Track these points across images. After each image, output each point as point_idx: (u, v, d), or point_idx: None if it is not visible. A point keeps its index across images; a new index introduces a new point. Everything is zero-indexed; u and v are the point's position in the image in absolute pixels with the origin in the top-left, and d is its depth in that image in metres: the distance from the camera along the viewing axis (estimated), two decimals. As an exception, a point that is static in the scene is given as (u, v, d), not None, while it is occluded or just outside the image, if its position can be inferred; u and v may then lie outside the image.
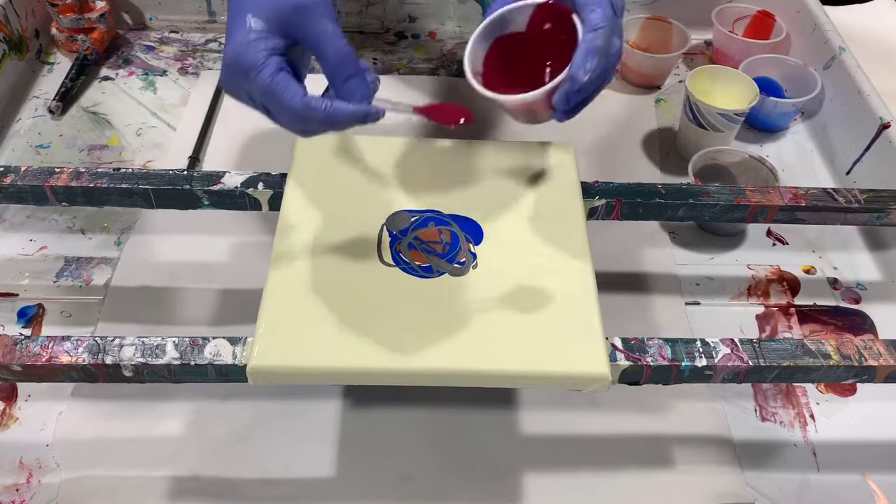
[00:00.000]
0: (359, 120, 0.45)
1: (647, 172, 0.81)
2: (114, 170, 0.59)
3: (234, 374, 0.48)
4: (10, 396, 0.60)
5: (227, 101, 0.86)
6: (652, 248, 0.73)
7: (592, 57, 0.47)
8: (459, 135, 0.83)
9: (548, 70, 0.53)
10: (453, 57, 0.94)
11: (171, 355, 0.48)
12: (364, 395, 0.61)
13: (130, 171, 0.59)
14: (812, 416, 0.61)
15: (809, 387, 0.63)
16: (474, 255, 0.53)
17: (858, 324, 0.68)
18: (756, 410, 0.62)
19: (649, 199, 0.60)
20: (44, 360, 0.48)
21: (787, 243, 0.75)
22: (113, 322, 0.65)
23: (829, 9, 0.90)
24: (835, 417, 0.61)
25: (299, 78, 0.47)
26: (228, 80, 0.46)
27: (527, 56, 0.54)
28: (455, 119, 0.49)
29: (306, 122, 0.45)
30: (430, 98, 0.88)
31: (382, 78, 0.90)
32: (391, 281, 0.51)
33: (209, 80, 0.89)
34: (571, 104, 0.49)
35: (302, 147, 0.60)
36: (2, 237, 0.72)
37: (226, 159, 0.80)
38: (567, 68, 0.49)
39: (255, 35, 0.44)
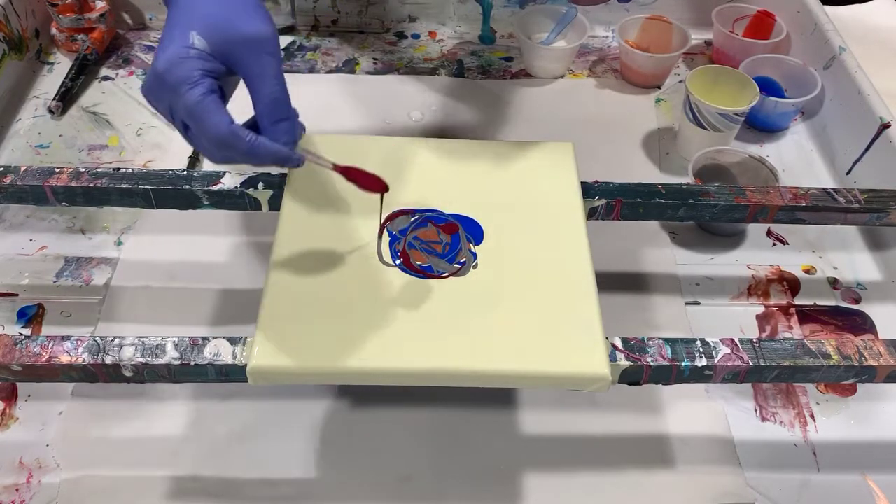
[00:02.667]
0: (279, 161, 0.45)
1: (647, 172, 0.81)
2: (114, 170, 0.59)
3: (234, 374, 0.48)
4: (10, 396, 0.60)
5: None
6: (652, 248, 0.73)
7: None
8: (459, 135, 0.83)
9: None
10: (453, 57, 0.94)
11: (171, 355, 0.48)
12: (364, 395, 0.61)
13: (130, 171, 0.59)
14: (812, 416, 0.61)
15: (809, 387, 0.63)
16: (474, 255, 0.53)
17: (858, 324, 0.68)
18: (756, 410, 0.62)
19: (649, 199, 0.60)
20: (44, 360, 0.48)
21: (787, 243, 0.75)
22: (113, 322, 0.65)
23: (829, 9, 0.90)
24: (835, 417, 0.61)
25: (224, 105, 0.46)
26: (153, 88, 0.45)
27: None
28: (373, 188, 0.50)
29: (227, 149, 0.44)
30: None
31: (382, 78, 0.91)
32: (391, 281, 0.51)
33: (209, 80, 0.89)
34: None
35: (302, 147, 0.60)
36: (2, 237, 0.72)
37: (226, 159, 0.80)
38: None
39: (196, 53, 0.44)
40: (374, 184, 0.50)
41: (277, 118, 0.45)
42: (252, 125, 0.47)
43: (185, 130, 0.46)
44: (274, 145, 0.45)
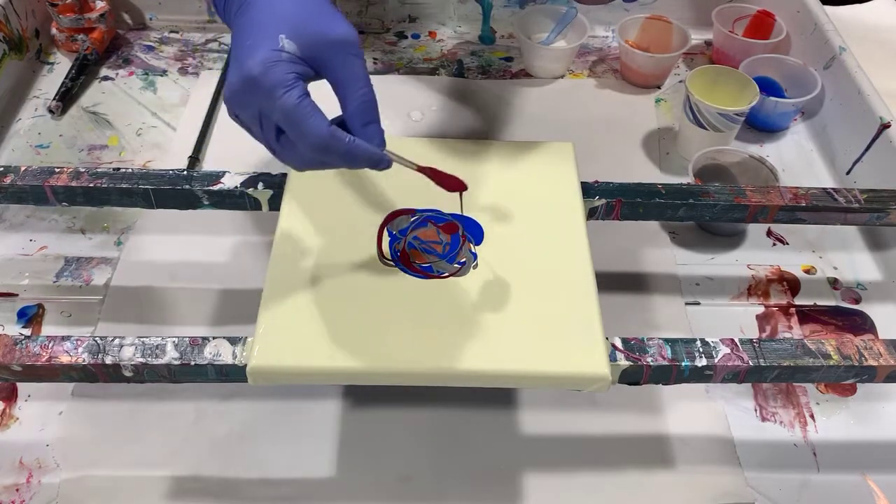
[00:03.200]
0: (373, 163, 0.45)
1: (647, 172, 0.81)
2: (114, 170, 0.59)
3: (234, 374, 0.48)
4: (10, 396, 0.60)
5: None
6: (652, 248, 0.73)
7: None
8: (459, 135, 0.83)
9: None
10: (453, 57, 0.94)
11: (171, 355, 0.48)
12: (364, 395, 0.61)
13: (130, 171, 0.60)
14: (812, 416, 0.61)
15: (809, 387, 0.63)
16: (475, 255, 0.53)
17: (858, 324, 0.68)
18: (756, 410, 0.62)
19: (649, 199, 0.60)
20: (44, 360, 0.48)
21: (787, 243, 0.75)
22: (113, 322, 0.65)
23: (829, 9, 0.90)
24: (835, 417, 0.61)
25: None
26: (242, 94, 0.43)
27: None
28: (453, 188, 0.50)
29: (325, 152, 0.43)
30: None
31: (382, 78, 0.91)
32: (391, 281, 0.51)
33: (209, 80, 0.89)
34: None
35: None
36: (2, 237, 0.72)
37: (226, 159, 0.80)
38: None
39: (288, 56, 0.43)
40: (454, 184, 0.50)
41: (368, 120, 0.45)
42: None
43: (277, 138, 0.45)
44: (370, 147, 0.44)
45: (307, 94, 0.43)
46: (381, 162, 0.45)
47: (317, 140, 0.43)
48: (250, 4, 0.46)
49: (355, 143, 0.44)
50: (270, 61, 0.42)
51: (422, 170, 0.49)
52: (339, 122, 0.45)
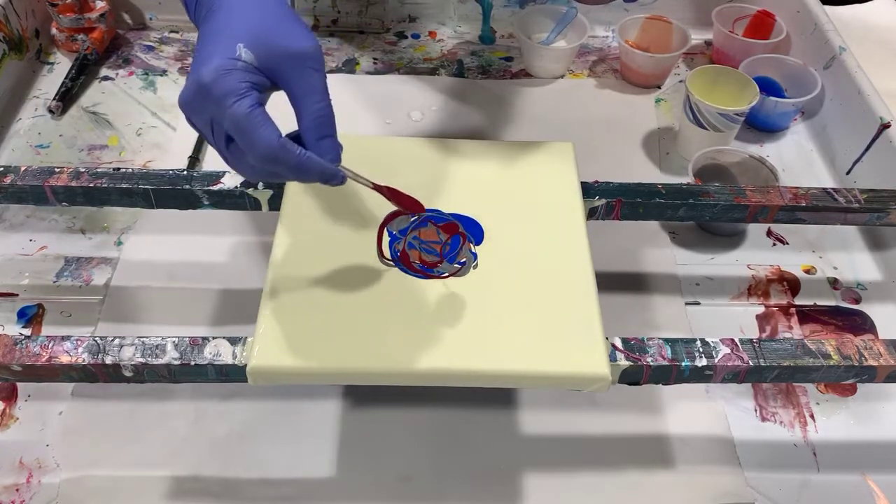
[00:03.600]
0: (325, 178, 0.44)
1: (647, 172, 0.81)
2: (114, 170, 0.59)
3: (234, 374, 0.48)
4: (10, 396, 0.60)
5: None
6: (652, 248, 0.73)
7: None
8: (459, 135, 0.83)
9: None
10: (453, 57, 0.94)
11: (171, 355, 0.48)
12: (364, 395, 0.61)
13: (130, 171, 0.60)
14: (812, 416, 0.61)
15: (809, 387, 0.63)
16: (475, 255, 0.53)
17: (858, 324, 0.68)
18: (756, 410, 0.62)
19: (649, 199, 0.60)
20: (44, 360, 0.48)
21: (787, 243, 0.75)
22: (113, 322, 0.65)
23: (829, 9, 0.90)
24: (835, 417, 0.61)
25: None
26: (194, 99, 0.43)
27: None
28: (411, 209, 0.51)
29: (274, 163, 0.43)
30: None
31: (382, 78, 0.91)
32: (391, 281, 0.51)
33: (209, 80, 0.89)
34: None
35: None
36: (2, 237, 0.72)
37: (226, 159, 0.80)
38: None
39: (243, 65, 0.42)
40: (412, 205, 0.50)
41: (323, 134, 0.44)
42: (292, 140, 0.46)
43: (227, 146, 0.44)
44: (322, 161, 0.44)
45: (259, 105, 0.42)
46: (334, 177, 0.44)
47: (266, 151, 0.42)
48: (215, 11, 0.45)
49: (307, 157, 0.43)
50: (224, 69, 0.42)
51: (378, 188, 0.49)
52: (296, 136, 0.45)
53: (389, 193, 0.49)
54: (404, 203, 0.50)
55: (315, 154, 0.44)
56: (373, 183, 0.48)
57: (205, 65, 0.42)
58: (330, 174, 0.44)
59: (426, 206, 0.56)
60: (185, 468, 0.56)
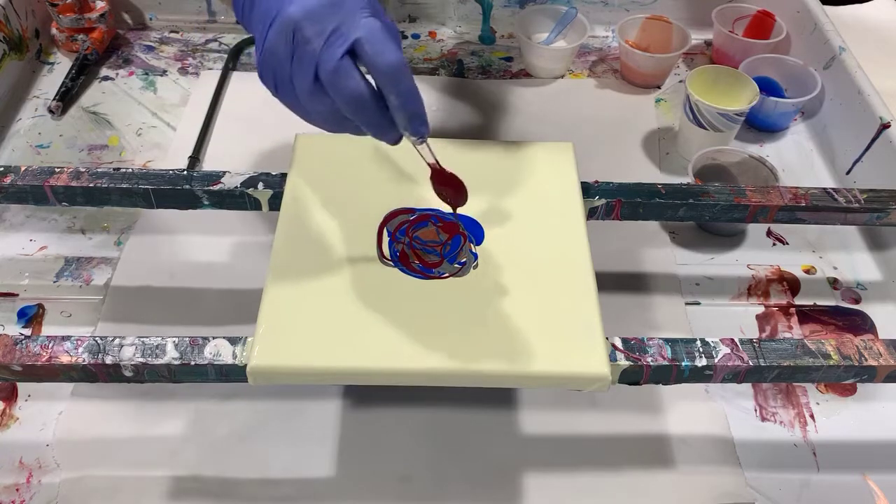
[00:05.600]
0: (417, 122, 0.45)
1: (647, 172, 0.81)
2: (114, 170, 0.59)
3: (234, 374, 0.48)
4: (10, 396, 0.60)
5: (228, 101, 0.86)
6: (652, 248, 0.73)
7: None
8: (459, 135, 0.83)
9: None
10: (453, 57, 0.94)
11: (171, 355, 0.48)
12: (364, 395, 0.61)
13: (130, 171, 0.59)
14: (812, 416, 0.61)
15: (809, 387, 0.63)
16: (475, 255, 0.53)
17: (858, 324, 0.68)
18: (756, 410, 0.62)
19: (649, 199, 0.60)
20: (44, 360, 0.48)
21: (787, 243, 0.75)
22: (113, 322, 0.65)
23: (829, 9, 0.90)
24: (835, 417, 0.61)
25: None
26: (323, 9, 0.42)
27: None
28: (454, 201, 0.53)
29: (395, 82, 0.43)
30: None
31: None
32: (391, 281, 0.51)
33: (209, 80, 0.89)
34: None
35: (302, 147, 0.60)
36: (2, 237, 0.72)
37: (226, 159, 0.80)
38: None
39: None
40: (458, 196, 0.52)
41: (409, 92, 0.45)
42: None
43: (341, 58, 0.42)
44: (422, 103, 0.45)
45: (346, 53, 0.42)
46: (424, 125, 0.45)
47: (393, 62, 0.42)
48: None
49: (416, 88, 0.43)
50: None
51: (437, 169, 0.50)
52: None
53: (445, 178, 0.51)
54: (449, 192, 0.51)
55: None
56: (437, 162, 0.50)
57: None
58: (423, 119, 0.45)
59: (426, 207, 0.56)
60: (185, 468, 0.56)
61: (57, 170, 0.59)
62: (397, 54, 0.43)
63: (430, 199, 0.57)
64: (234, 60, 0.92)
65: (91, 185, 0.58)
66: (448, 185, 0.51)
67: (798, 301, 0.70)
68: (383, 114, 0.45)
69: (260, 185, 0.59)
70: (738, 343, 0.50)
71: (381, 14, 0.44)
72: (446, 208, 0.55)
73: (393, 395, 0.60)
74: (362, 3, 0.43)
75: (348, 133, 0.47)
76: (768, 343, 0.51)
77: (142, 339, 0.49)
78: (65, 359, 0.48)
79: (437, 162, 0.50)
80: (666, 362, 0.49)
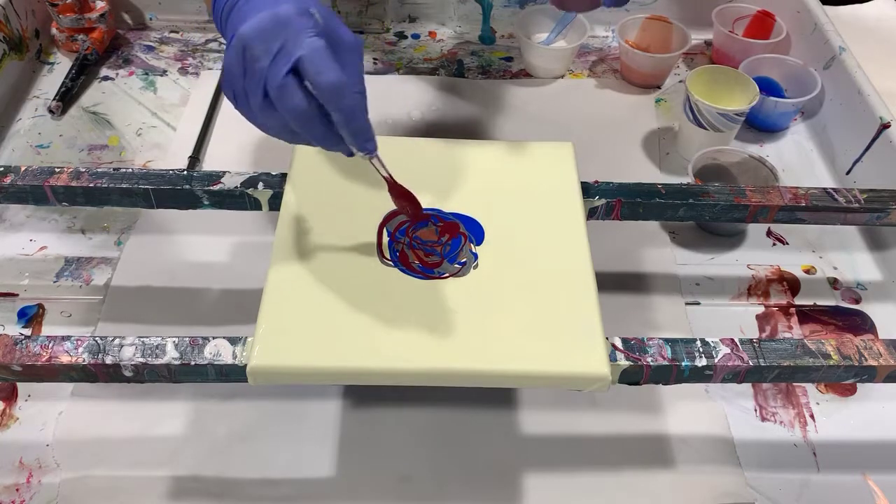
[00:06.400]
0: (362, 137, 0.45)
1: (647, 172, 0.81)
2: (114, 170, 0.59)
3: (234, 374, 0.48)
4: (10, 396, 0.60)
5: (228, 101, 0.86)
6: (652, 248, 0.73)
7: None
8: (460, 135, 0.83)
9: None
10: (453, 57, 0.94)
11: (171, 355, 0.48)
12: (364, 395, 0.61)
13: (130, 171, 0.59)
14: (812, 416, 0.61)
15: (809, 387, 0.63)
16: (475, 255, 0.53)
17: (858, 324, 0.68)
18: (756, 410, 0.62)
19: (649, 199, 0.60)
20: (44, 360, 0.48)
21: (787, 243, 0.75)
22: (113, 322, 0.65)
23: (829, 9, 0.90)
24: (835, 417, 0.61)
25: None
26: (270, 27, 0.44)
27: None
28: (408, 213, 0.54)
29: (338, 98, 0.44)
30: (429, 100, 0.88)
31: (382, 78, 0.91)
32: (391, 281, 0.51)
33: (209, 80, 0.89)
34: None
35: (302, 147, 0.60)
36: (2, 237, 0.72)
37: (226, 159, 0.80)
38: None
39: (314, 21, 0.44)
40: (412, 210, 0.53)
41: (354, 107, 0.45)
42: None
43: (285, 76, 0.44)
44: (368, 120, 0.45)
45: (289, 71, 0.43)
46: (369, 142, 0.46)
47: (332, 81, 0.43)
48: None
49: (363, 103, 0.44)
50: (306, 10, 0.44)
51: (392, 184, 0.51)
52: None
53: (399, 191, 0.51)
54: (405, 205, 0.52)
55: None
56: (391, 178, 0.50)
57: (284, 3, 0.44)
58: (368, 135, 0.45)
59: (426, 207, 0.56)
60: (185, 468, 0.56)
61: (57, 170, 0.59)
62: (336, 74, 0.43)
63: (431, 200, 0.57)
64: (234, 60, 0.92)
65: (91, 185, 0.58)
66: (402, 198, 0.52)
67: (798, 301, 0.70)
68: (329, 129, 0.45)
69: (260, 185, 0.59)
70: (738, 343, 0.50)
71: (337, 31, 0.45)
72: (445, 200, 0.56)
73: (393, 395, 0.60)
74: (309, 23, 0.44)
75: (303, 145, 0.48)
76: (768, 343, 0.51)
77: (142, 339, 0.49)
78: (65, 359, 0.48)
79: (391, 176, 0.50)
80: (666, 362, 0.49)
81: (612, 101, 0.90)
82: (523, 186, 0.58)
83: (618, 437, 0.59)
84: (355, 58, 0.46)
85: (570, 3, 0.56)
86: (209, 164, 0.80)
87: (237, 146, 0.81)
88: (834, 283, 0.71)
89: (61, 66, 0.91)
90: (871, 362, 0.50)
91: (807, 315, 0.68)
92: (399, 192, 0.51)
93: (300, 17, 0.44)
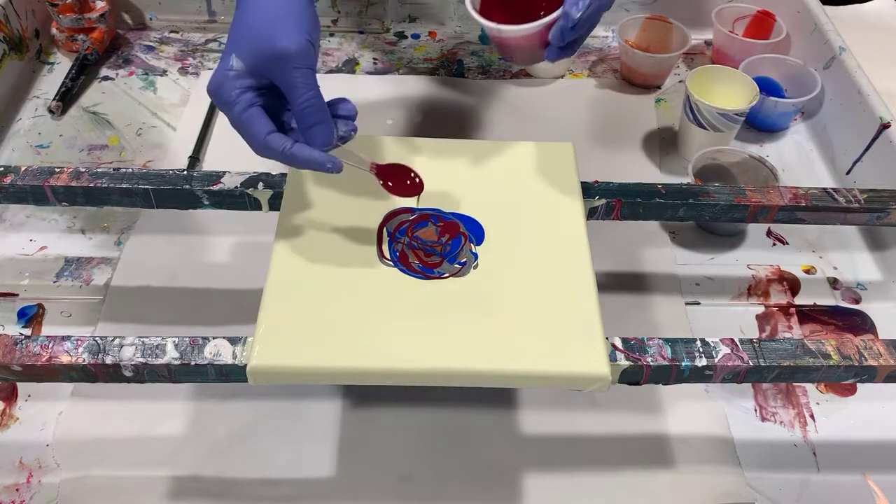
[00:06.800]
0: (315, 167, 0.48)
1: (647, 172, 0.81)
2: (114, 170, 0.59)
3: (234, 374, 0.48)
4: (10, 396, 0.60)
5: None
6: (652, 248, 0.73)
7: None
8: (459, 135, 0.83)
9: (542, 11, 0.54)
10: (453, 57, 0.94)
11: (171, 355, 0.48)
12: (364, 395, 0.61)
13: (130, 171, 0.59)
14: (812, 416, 0.61)
15: (809, 387, 0.63)
16: (475, 256, 0.53)
17: (858, 324, 0.68)
18: (756, 410, 0.62)
19: (649, 199, 0.60)
20: (44, 360, 0.48)
21: (787, 243, 0.75)
22: (113, 322, 0.65)
23: (829, 9, 0.90)
24: (835, 417, 0.61)
25: (278, 110, 0.50)
26: (214, 102, 0.50)
27: None
28: (405, 192, 0.55)
29: (270, 153, 0.49)
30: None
31: (382, 78, 0.91)
32: (391, 281, 0.51)
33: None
34: (566, 40, 0.52)
35: (302, 147, 0.60)
36: (2, 237, 0.72)
37: (226, 159, 0.79)
38: (561, 6, 0.51)
39: (234, 73, 0.47)
40: (409, 189, 0.55)
41: (311, 123, 0.48)
42: None
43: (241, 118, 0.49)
44: (308, 152, 0.48)
45: (251, 106, 0.48)
46: (322, 166, 0.48)
47: (258, 145, 0.49)
48: (237, 7, 0.50)
49: (291, 151, 0.48)
50: (220, 80, 0.48)
51: (379, 170, 0.52)
52: None
53: (386, 176, 0.53)
54: (399, 189, 0.54)
55: (307, 140, 0.48)
56: (371, 163, 0.51)
57: (213, 76, 0.49)
58: (317, 163, 0.48)
59: (426, 207, 0.56)
60: (185, 468, 0.56)
61: (57, 170, 0.59)
62: (257, 139, 0.48)
63: (431, 200, 0.57)
64: (234, 60, 0.92)
65: (91, 185, 0.58)
66: (395, 175, 0.53)
67: (798, 301, 0.70)
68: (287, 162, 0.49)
69: (260, 185, 0.59)
70: (738, 343, 0.50)
71: (273, 43, 0.47)
72: (445, 200, 0.56)
73: (393, 395, 0.60)
74: (226, 93, 0.48)
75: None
76: (768, 343, 0.50)
77: (142, 339, 0.49)
78: (65, 359, 0.48)
79: (373, 162, 0.52)
80: (666, 362, 0.49)
81: (612, 101, 0.90)
82: (523, 186, 0.58)
83: (618, 437, 0.59)
84: (292, 68, 0.47)
85: (516, 56, 0.57)
86: (209, 164, 0.80)
87: (237, 146, 0.81)
88: (834, 283, 0.71)
89: (61, 66, 0.91)
90: (871, 362, 0.50)
91: (807, 315, 0.68)
92: (389, 172, 0.52)
93: (218, 88, 0.48)
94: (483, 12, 0.55)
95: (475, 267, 0.53)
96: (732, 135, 0.79)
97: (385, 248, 0.53)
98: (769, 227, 0.76)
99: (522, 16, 0.53)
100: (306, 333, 0.48)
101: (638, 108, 0.88)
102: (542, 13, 0.53)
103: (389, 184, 0.54)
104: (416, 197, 0.56)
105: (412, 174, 0.55)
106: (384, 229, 0.55)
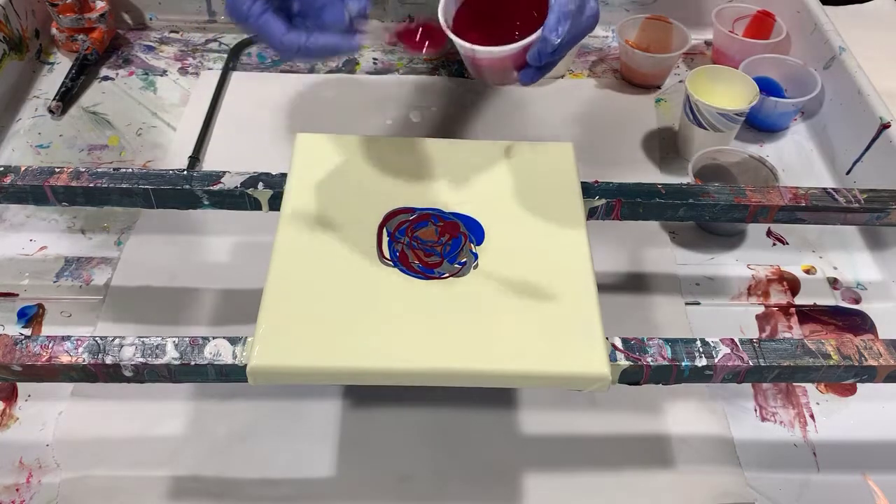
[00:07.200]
0: (333, 51, 0.50)
1: (647, 172, 0.81)
2: (114, 170, 0.59)
3: (234, 374, 0.48)
4: (10, 396, 0.60)
5: (227, 102, 0.86)
6: (652, 248, 0.73)
7: (565, 20, 0.50)
8: (459, 135, 0.83)
9: (517, 31, 0.54)
10: (453, 57, 0.94)
11: (171, 355, 0.48)
12: (364, 395, 0.61)
13: (130, 171, 0.59)
14: (812, 416, 0.61)
15: (809, 387, 0.63)
16: (475, 255, 0.53)
17: (858, 324, 0.68)
18: (756, 410, 0.62)
19: (649, 199, 0.60)
20: (44, 360, 0.48)
21: (787, 243, 0.75)
22: (113, 322, 0.65)
23: (829, 9, 0.90)
24: (835, 417, 0.61)
25: (290, 9, 0.51)
26: (233, 22, 0.51)
27: (497, 12, 0.55)
28: (420, 45, 0.53)
29: (289, 55, 0.50)
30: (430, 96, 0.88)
31: (382, 78, 0.91)
32: (391, 281, 0.51)
33: (209, 80, 0.89)
34: (543, 62, 0.52)
35: (302, 147, 0.60)
36: (2, 237, 0.72)
37: (226, 159, 0.80)
38: (540, 29, 0.50)
39: None
40: (421, 42, 0.53)
41: (318, 6, 0.49)
42: None
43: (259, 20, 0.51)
44: (324, 38, 0.49)
45: (264, 11, 0.49)
46: (339, 47, 0.49)
47: (276, 49, 0.50)
48: None
49: (307, 43, 0.49)
50: (232, 1, 0.49)
51: (392, 39, 0.52)
52: None
53: (403, 38, 0.52)
54: (414, 42, 0.52)
55: (320, 25, 0.49)
56: (387, 34, 0.52)
57: None
58: (332, 47, 0.49)
59: (426, 207, 0.56)
60: (185, 468, 0.56)
61: (57, 170, 0.59)
62: (273, 42, 0.50)
63: (431, 200, 0.57)
64: (234, 60, 0.92)
65: (91, 185, 0.58)
66: (414, 34, 0.52)
67: (798, 301, 0.70)
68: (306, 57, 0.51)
69: (260, 185, 0.59)
70: (738, 343, 0.50)
71: None
72: (445, 200, 0.56)
73: (393, 395, 0.60)
74: (243, 5, 0.49)
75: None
76: (768, 343, 0.51)
77: (142, 339, 0.49)
78: (65, 359, 0.48)
79: (389, 33, 0.52)
80: (666, 362, 0.49)
81: (612, 101, 0.90)
82: (523, 186, 0.58)
83: (618, 437, 0.59)
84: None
85: (487, 76, 0.56)
86: (209, 164, 0.80)
87: (237, 146, 0.81)
88: (834, 282, 0.71)
89: (61, 66, 0.91)
90: (871, 362, 0.50)
91: (807, 315, 0.68)
92: (411, 34, 0.52)
93: (233, 4, 0.49)
94: (456, 31, 0.53)
95: (475, 267, 0.53)
96: (732, 135, 0.79)
97: (385, 248, 0.53)
98: (769, 227, 0.76)
99: (496, 36, 0.53)
100: (306, 333, 0.48)
101: (638, 108, 0.88)
102: (517, 33, 0.52)
103: (415, 40, 0.52)
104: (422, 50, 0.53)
105: (430, 26, 0.53)
106: (384, 229, 0.55)
